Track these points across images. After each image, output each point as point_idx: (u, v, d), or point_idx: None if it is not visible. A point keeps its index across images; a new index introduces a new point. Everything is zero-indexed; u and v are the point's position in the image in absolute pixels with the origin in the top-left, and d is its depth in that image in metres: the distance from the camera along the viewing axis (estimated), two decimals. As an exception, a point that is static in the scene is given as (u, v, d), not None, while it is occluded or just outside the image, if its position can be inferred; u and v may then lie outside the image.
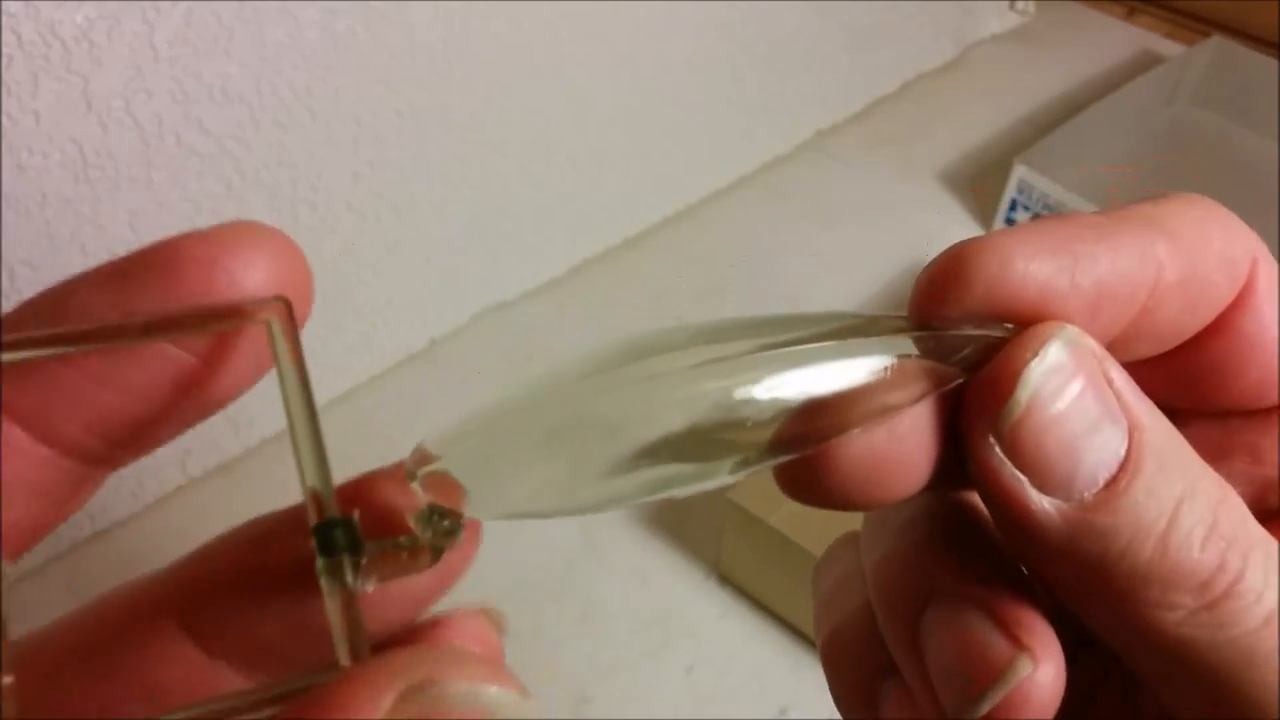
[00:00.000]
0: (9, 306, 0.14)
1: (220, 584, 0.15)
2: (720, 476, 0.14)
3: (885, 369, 0.14)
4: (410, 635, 0.15)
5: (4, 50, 0.38)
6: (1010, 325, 0.15)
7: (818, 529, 0.52)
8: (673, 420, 0.14)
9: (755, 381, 0.14)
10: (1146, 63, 0.90)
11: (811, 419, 0.14)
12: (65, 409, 0.14)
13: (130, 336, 0.13)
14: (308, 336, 0.14)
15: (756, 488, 0.49)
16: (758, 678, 0.49)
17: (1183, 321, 0.16)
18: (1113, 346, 0.15)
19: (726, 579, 0.52)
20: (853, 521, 0.59)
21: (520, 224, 0.62)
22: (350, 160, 0.51)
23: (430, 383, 0.60)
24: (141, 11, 0.41)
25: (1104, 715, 0.18)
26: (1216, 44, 0.83)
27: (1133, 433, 0.14)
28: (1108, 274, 0.15)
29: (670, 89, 0.66)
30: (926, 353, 0.15)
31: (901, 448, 0.15)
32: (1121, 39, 0.95)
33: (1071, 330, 0.14)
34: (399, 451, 0.15)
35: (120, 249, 0.48)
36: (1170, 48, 0.93)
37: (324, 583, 0.13)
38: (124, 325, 0.13)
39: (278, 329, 0.14)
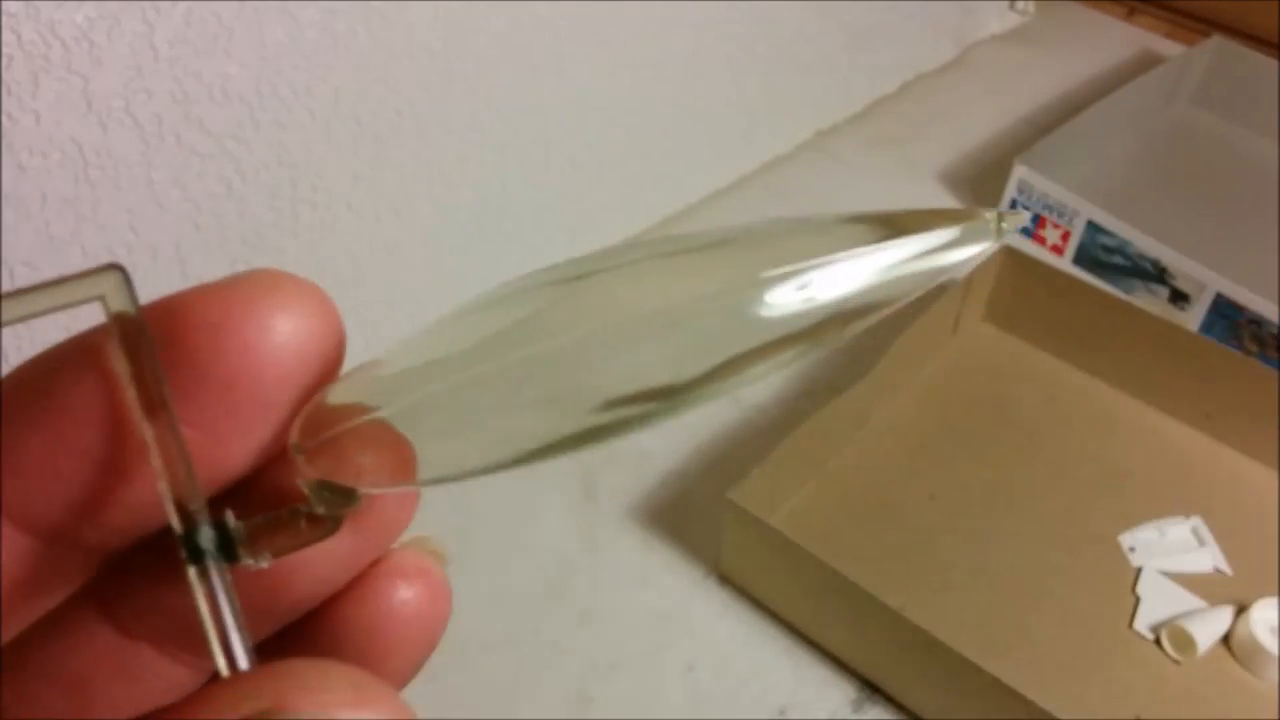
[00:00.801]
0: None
1: (134, 562, 0.14)
2: (651, 421, 0.13)
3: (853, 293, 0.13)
4: (347, 587, 0.15)
5: (4, 50, 0.38)
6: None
7: (817, 529, 0.53)
8: (594, 373, 0.13)
9: (695, 327, 0.13)
10: (1146, 63, 0.90)
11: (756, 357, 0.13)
12: (23, 481, 0.12)
13: None
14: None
15: (756, 488, 0.49)
16: (757, 677, 0.49)
17: None
18: None
19: (726, 579, 0.52)
20: (852, 521, 0.58)
21: (520, 224, 0.62)
22: (350, 160, 0.51)
23: (430, 383, 0.60)
24: (141, 11, 0.41)
25: None
26: (1216, 44, 0.83)
27: None
28: None
29: (670, 89, 0.66)
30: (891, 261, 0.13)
31: None
32: (1121, 39, 0.94)
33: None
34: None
35: (120, 249, 0.48)
36: (1170, 48, 0.93)
37: (194, 593, 0.12)
38: None
39: (115, 305, 0.12)
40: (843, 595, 0.46)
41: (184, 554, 0.12)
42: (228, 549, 0.13)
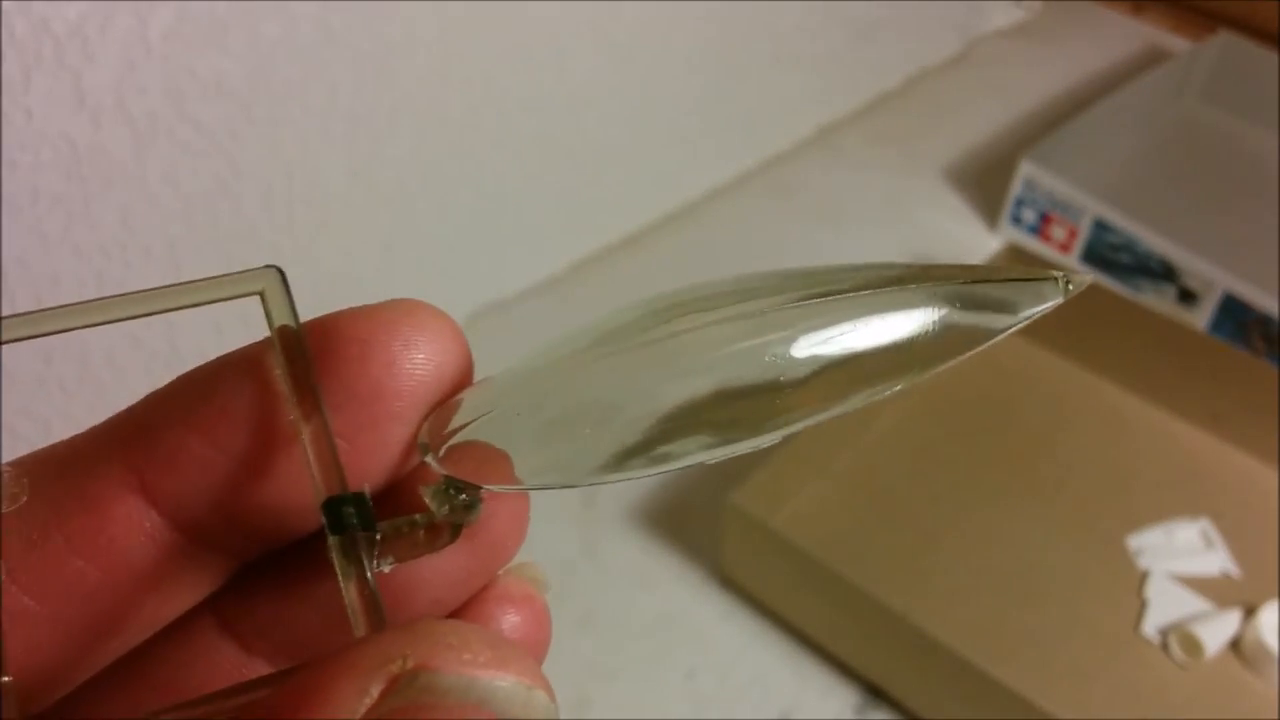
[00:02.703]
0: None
1: (260, 579, 0.14)
2: (756, 439, 0.13)
3: (930, 322, 0.13)
4: (457, 611, 0.15)
5: (-6, 45, 0.37)
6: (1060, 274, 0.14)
7: (820, 531, 0.52)
8: (696, 387, 0.13)
9: (785, 339, 0.13)
10: (1153, 58, 0.90)
11: (851, 376, 0.13)
12: (178, 474, 0.13)
13: (123, 312, 0.13)
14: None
15: (758, 490, 0.49)
16: (759, 681, 0.48)
17: None
18: None
19: (728, 582, 0.51)
20: (855, 523, 0.58)
21: (519, 221, 0.62)
22: (346, 157, 0.51)
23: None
24: (134, 6, 0.40)
25: None
26: (1223, 40, 0.83)
27: None
28: None
29: (672, 84, 0.66)
30: (971, 305, 0.13)
31: None
32: (1128, 34, 0.94)
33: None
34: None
35: (113, 247, 0.47)
36: (1177, 44, 0.92)
37: (336, 560, 0.13)
38: (117, 300, 0.13)
39: (272, 299, 0.13)
40: (846, 599, 0.46)
41: (324, 521, 0.13)
42: (366, 520, 0.13)
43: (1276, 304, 0.61)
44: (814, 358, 0.13)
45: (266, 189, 0.48)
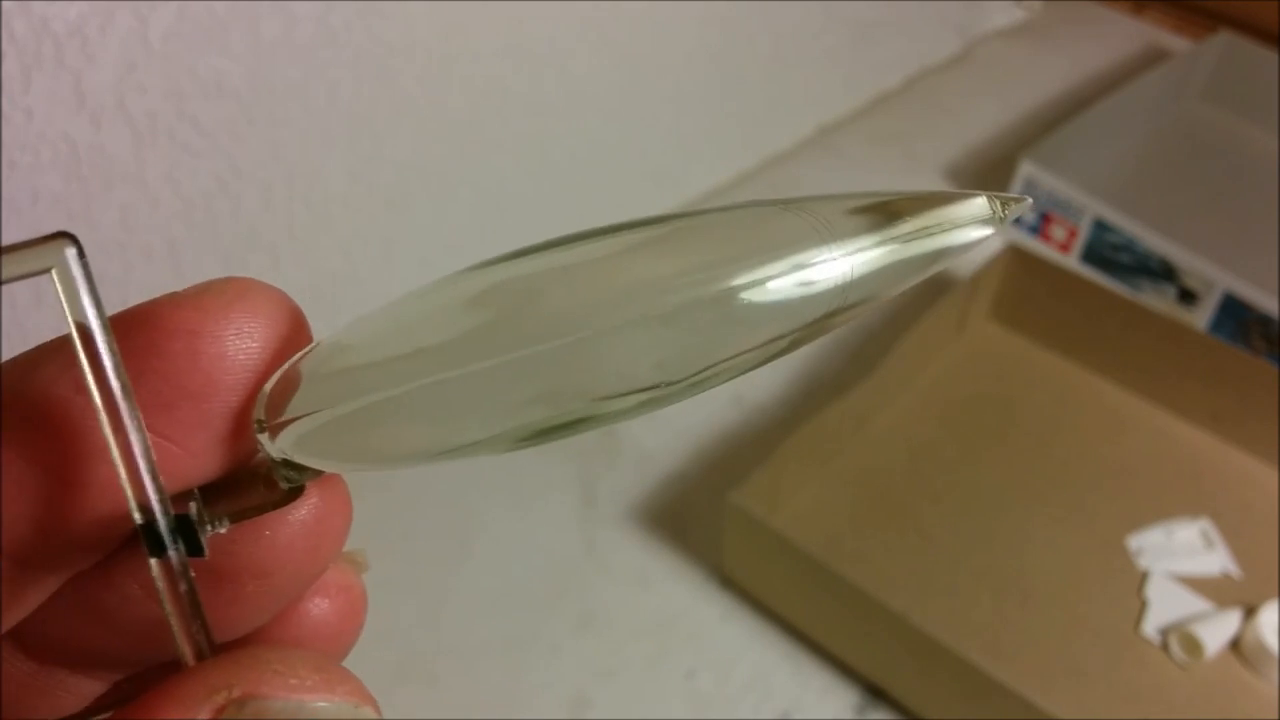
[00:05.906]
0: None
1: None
2: (678, 395, 0.12)
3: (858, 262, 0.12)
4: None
5: (-6, 46, 0.37)
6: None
7: (820, 531, 0.52)
8: (626, 341, 0.12)
9: (712, 282, 0.12)
10: (1154, 58, 0.90)
11: (782, 319, 0.12)
12: None
13: None
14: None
15: (758, 490, 0.49)
16: (760, 681, 0.48)
17: None
18: None
19: (728, 582, 0.51)
20: (855, 523, 0.57)
21: (519, 221, 0.62)
22: (346, 157, 0.51)
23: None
24: (134, 6, 0.40)
25: None
26: (1224, 40, 0.83)
27: None
28: None
29: (671, 84, 0.65)
30: (901, 239, 0.13)
31: None
32: (1128, 34, 0.94)
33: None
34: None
35: (113, 247, 0.47)
36: (1177, 43, 0.92)
37: (160, 587, 0.12)
38: None
39: (64, 279, 0.12)
40: (846, 599, 0.45)
41: (145, 546, 0.12)
42: (190, 541, 0.12)
43: (1276, 304, 0.61)
44: (743, 304, 0.12)
45: (266, 189, 0.48)
